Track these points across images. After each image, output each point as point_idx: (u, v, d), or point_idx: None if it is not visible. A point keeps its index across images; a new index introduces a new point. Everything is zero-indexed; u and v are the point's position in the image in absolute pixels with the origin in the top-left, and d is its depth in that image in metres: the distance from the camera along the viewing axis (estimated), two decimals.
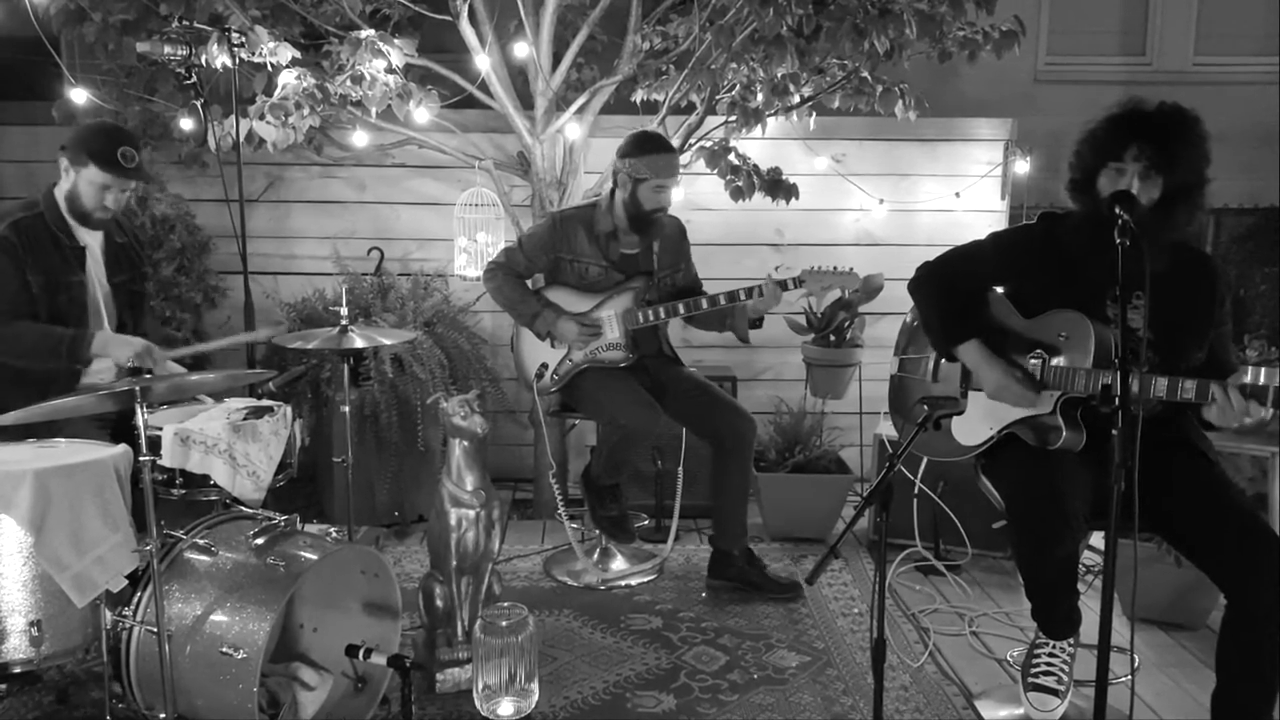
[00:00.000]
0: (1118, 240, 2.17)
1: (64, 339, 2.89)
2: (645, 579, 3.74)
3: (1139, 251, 2.11)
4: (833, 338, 4.33)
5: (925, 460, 3.75)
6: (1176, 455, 2.49)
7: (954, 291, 2.69)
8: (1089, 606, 3.53)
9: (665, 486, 4.17)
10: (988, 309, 2.68)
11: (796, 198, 4.21)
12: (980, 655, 3.19)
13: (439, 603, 3.00)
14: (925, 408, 2.39)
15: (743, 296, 3.42)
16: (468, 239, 4.33)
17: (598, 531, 3.79)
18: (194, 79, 3.15)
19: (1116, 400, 1.94)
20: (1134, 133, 2.36)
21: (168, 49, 3.01)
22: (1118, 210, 2.18)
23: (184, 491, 2.74)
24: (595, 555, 3.85)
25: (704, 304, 3.49)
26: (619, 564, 3.85)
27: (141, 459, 2.32)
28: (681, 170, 4.36)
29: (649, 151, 3.40)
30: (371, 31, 3.60)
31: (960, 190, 4.79)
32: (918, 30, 3.75)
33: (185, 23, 3.08)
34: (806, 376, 4.40)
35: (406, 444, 4.07)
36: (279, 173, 4.63)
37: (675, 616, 3.43)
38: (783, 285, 3.42)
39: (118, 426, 2.95)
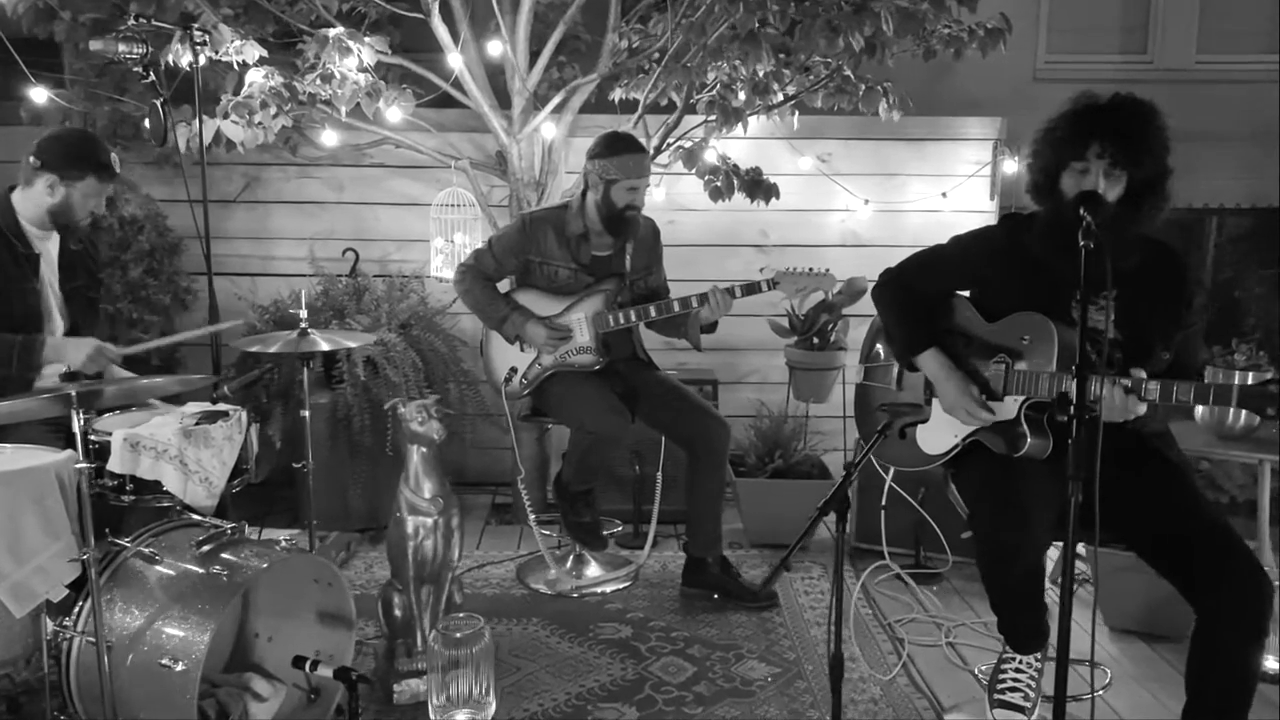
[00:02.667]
0: (1081, 243, 2.10)
1: (14, 346, 2.84)
2: (619, 586, 3.68)
3: (1104, 253, 2.04)
4: (816, 340, 4.25)
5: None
6: (1146, 463, 2.41)
7: (914, 298, 2.63)
8: (1076, 621, 3.45)
9: (645, 491, 4.10)
10: (950, 315, 2.61)
11: (777, 198, 4.14)
12: (955, 667, 3.12)
13: (397, 612, 2.94)
14: (886, 415, 2.32)
15: (694, 304, 3.35)
16: (445, 240, 4.27)
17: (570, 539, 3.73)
18: (152, 77, 3.10)
19: (1072, 408, 1.86)
20: (1094, 130, 2.29)
21: (122, 47, 2.96)
22: (1082, 212, 2.12)
23: (134, 498, 2.68)
24: (569, 562, 3.78)
25: (675, 307, 3.42)
26: (593, 570, 3.78)
27: (78, 465, 2.27)
28: (662, 170, 4.34)
29: (619, 152, 3.33)
30: (340, 29, 3.54)
31: (947, 190, 4.70)
32: (898, 27, 3.67)
33: (142, 20, 3.02)
34: (789, 380, 4.33)
35: (379, 448, 4.01)
36: (256, 173, 4.58)
37: (646, 626, 3.36)
38: (754, 288, 3.35)
39: (72, 432, 2.90)
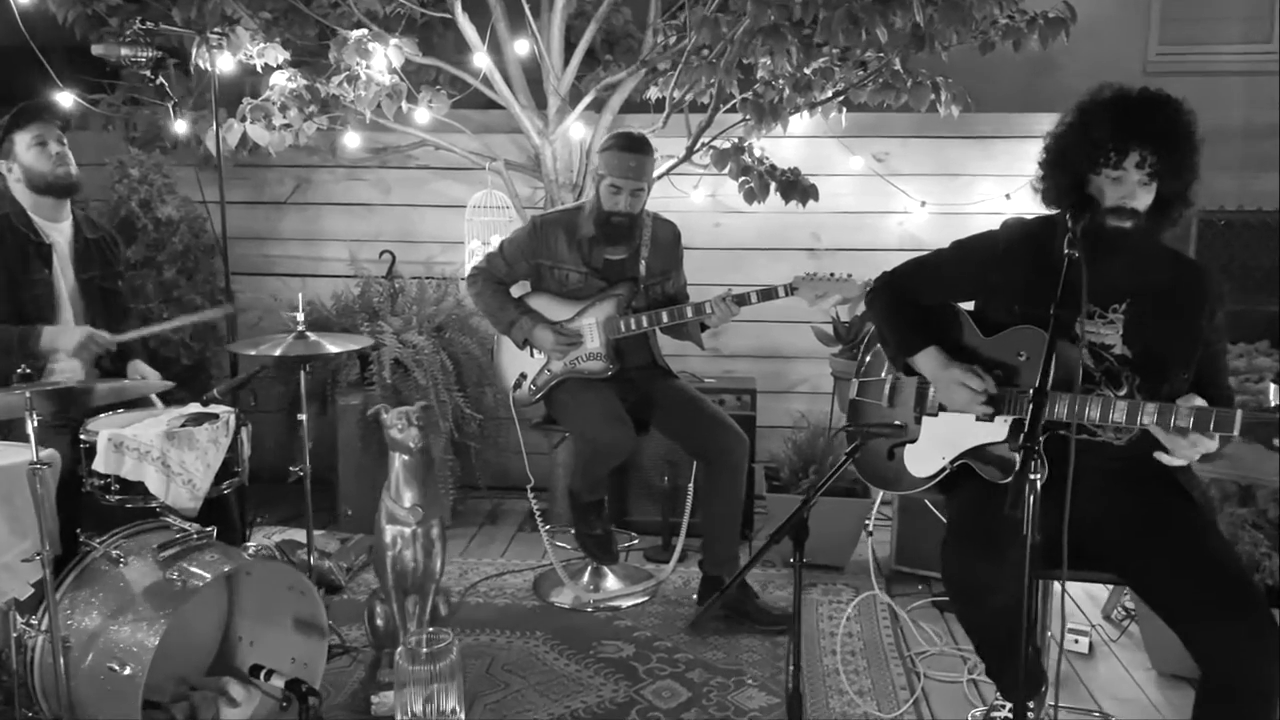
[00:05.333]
0: (1065, 252, 1.91)
1: (13, 336, 2.90)
2: (636, 602, 3.55)
3: (1081, 267, 1.84)
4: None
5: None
6: (1156, 496, 2.15)
7: (910, 302, 2.42)
8: (1119, 660, 3.16)
9: (677, 503, 3.97)
10: (946, 327, 2.39)
11: (815, 199, 3.94)
12: (972, 706, 2.88)
13: (379, 622, 2.89)
14: (857, 435, 2.14)
15: (707, 309, 3.22)
16: (480, 242, 4.22)
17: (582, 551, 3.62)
18: (160, 81, 3.13)
19: (1023, 437, 1.65)
20: (1137, 135, 2.04)
21: (125, 51, 2.99)
22: (1068, 219, 1.93)
23: (120, 498, 2.70)
24: (587, 574, 3.67)
25: (688, 313, 3.28)
26: (611, 584, 3.66)
27: (32, 465, 2.28)
28: (702, 171, 4.18)
29: (609, 148, 3.22)
30: (361, 31, 3.52)
31: (1011, 191, 4.39)
32: (943, 18, 3.44)
33: (149, 24, 3.05)
34: (834, 390, 4.12)
35: None
36: (306, 175, 4.63)
37: (651, 645, 3.22)
38: (770, 293, 3.19)
39: (78, 429, 2.95)
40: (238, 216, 4.63)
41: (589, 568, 3.69)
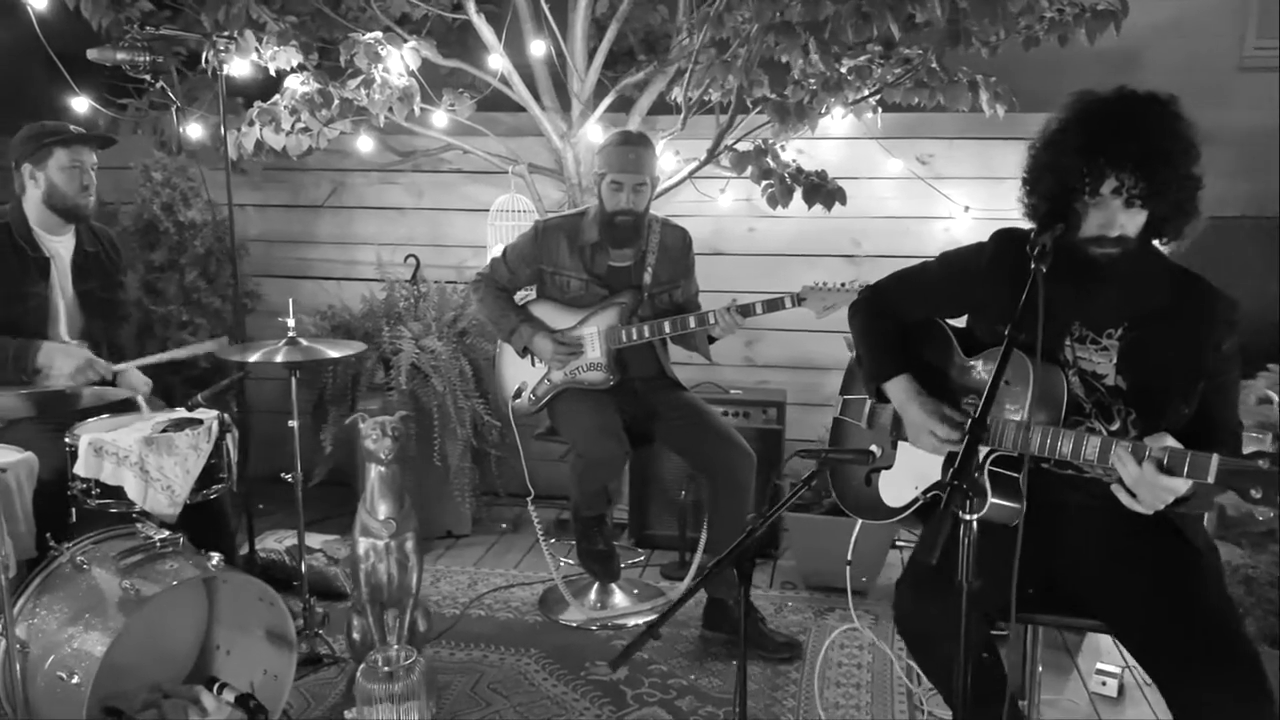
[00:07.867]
0: (1033, 265, 1.73)
1: (9, 348, 2.92)
2: (642, 620, 3.42)
3: (1039, 285, 1.66)
4: None
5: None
6: (1149, 540, 1.94)
7: (888, 320, 2.25)
8: (1150, 705, 2.91)
9: (697, 518, 3.82)
10: (928, 346, 2.21)
11: (843, 203, 3.74)
12: None
13: (356, 635, 2.83)
14: (817, 461, 1.99)
15: (711, 320, 3.07)
16: (504, 246, 4.14)
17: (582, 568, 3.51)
18: (162, 85, 3.13)
19: (952, 473, 1.48)
20: (1110, 161, 1.83)
21: (121, 55, 2.99)
22: (1032, 240, 1.77)
23: (101, 502, 2.69)
24: (594, 590, 3.56)
25: (691, 323, 3.14)
26: (620, 600, 3.55)
27: None
28: (728, 174, 4.03)
29: (606, 145, 3.11)
30: (376, 33, 3.48)
31: None
32: (974, 11, 3.23)
33: (149, 28, 3.05)
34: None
35: (426, 457, 3.94)
36: (341, 179, 4.63)
37: (645, 669, 3.09)
38: (777, 304, 3.04)
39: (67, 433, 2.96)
40: (274, 220, 4.69)
41: (596, 583, 3.58)
